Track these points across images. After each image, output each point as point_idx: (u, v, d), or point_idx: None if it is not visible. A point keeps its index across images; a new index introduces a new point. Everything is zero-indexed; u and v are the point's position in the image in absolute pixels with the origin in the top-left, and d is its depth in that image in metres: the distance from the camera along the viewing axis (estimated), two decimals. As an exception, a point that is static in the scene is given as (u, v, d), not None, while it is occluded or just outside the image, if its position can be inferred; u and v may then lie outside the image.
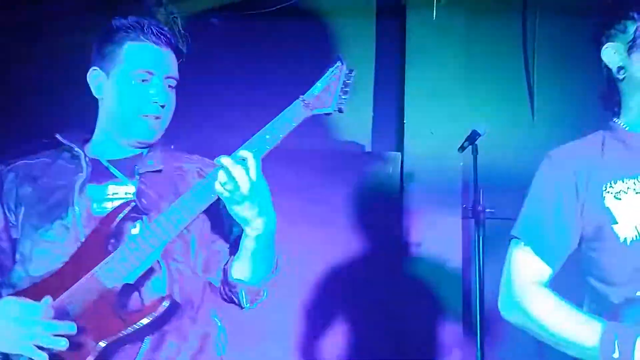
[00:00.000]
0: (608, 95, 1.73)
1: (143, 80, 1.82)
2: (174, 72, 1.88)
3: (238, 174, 1.62)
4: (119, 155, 1.88)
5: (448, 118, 3.65)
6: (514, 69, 3.77)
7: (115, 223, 1.70)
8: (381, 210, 3.69)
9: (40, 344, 1.57)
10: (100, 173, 1.83)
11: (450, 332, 3.51)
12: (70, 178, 1.81)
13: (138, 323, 1.63)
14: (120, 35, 1.85)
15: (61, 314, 1.63)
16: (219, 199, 1.69)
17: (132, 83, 1.82)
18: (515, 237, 1.69)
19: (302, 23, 3.75)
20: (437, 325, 3.53)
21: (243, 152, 1.65)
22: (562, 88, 3.74)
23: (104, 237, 1.70)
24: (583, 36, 3.61)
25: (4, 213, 1.82)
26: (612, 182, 1.61)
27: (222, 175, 1.64)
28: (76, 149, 1.87)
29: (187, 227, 1.74)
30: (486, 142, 3.11)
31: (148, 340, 1.70)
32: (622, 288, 1.57)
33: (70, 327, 1.59)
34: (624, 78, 1.67)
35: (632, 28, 1.66)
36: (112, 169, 1.84)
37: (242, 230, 1.74)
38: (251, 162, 1.63)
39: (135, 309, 1.67)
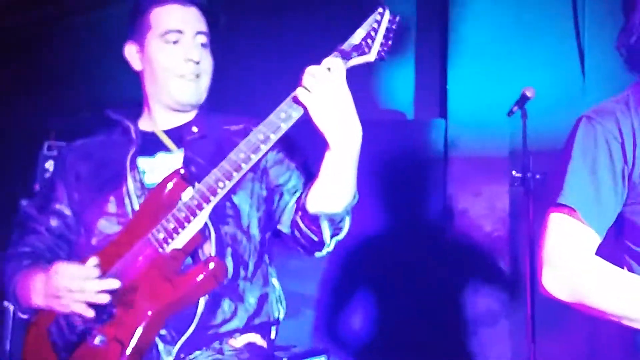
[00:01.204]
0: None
1: (174, 42, 1.83)
2: (204, 28, 1.88)
3: (326, 78, 1.59)
4: (168, 126, 1.90)
5: (494, 81, 3.51)
6: (563, 29, 3.60)
7: (165, 192, 1.73)
8: (425, 180, 3.61)
9: (86, 300, 1.66)
10: (150, 144, 1.87)
11: (496, 302, 3.44)
12: (122, 151, 1.86)
13: (187, 286, 1.66)
14: (146, 3, 1.88)
15: (115, 276, 1.70)
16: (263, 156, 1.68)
17: (164, 46, 1.84)
18: (564, 205, 1.55)
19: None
20: (483, 295, 3.45)
21: (327, 61, 1.61)
22: (614, 48, 3.56)
23: (156, 206, 1.73)
24: None
25: (66, 190, 1.92)
26: None
27: (309, 80, 1.60)
28: (126, 122, 1.91)
29: (234, 189, 1.74)
30: (535, 106, 2.99)
31: (203, 302, 1.72)
32: None
33: (113, 283, 1.67)
34: None
35: None
36: (162, 138, 1.88)
37: (305, 166, 1.77)
38: (338, 70, 1.60)
39: (185, 273, 1.69)
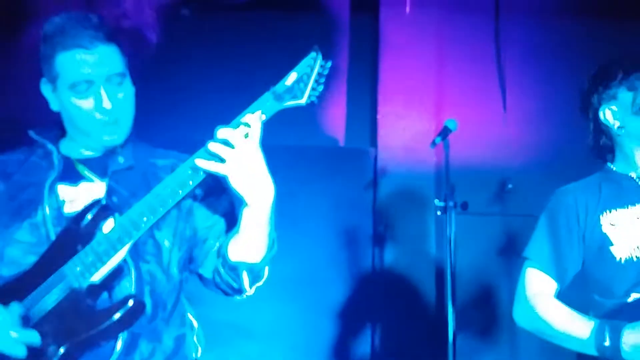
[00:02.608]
0: (603, 146, 2.07)
1: (84, 90, 1.73)
2: (118, 68, 1.76)
3: (240, 142, 1.58)
4: (91, 154, 1.82)
5: (422, 113, 3.65)
6: (486, 65, 3.78)
7: (85, 222, 1.66)
8: (354, 205, 3.69)
9: (1, 351, 1.57)
10: (72, 171, 1.78)
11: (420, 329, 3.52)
12: (41, 176, 1.76)
13: (103, 324, 1.60)
14: (50, 47, 1.74)
15: (26, 317, 1.61)
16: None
17: (75, 97, 1.74)
18: (527, 258, 2.04)
19: (274, 15, 3.72)
20: (409, 323, 3.53)
21: (244, 126, 1.59)
22: (534, 85, 3.77)
23: (74, 236, 1.65)
24: (553, 35, 3.73)
25: None
26: (608, 212, 1.95)
27: (218, 147, 1.58)
28: (49, 145, 1.81)
29: (159, 225, 1.70)
30: (458, 138, 3.13)
31: (121, 343, 1.66)
32: (619, 300, 1.90)
33: (33, 337, 1.59)
34: (621, 134, 2.01)
35: (624, 94, 1.98)
36: (82, 169, 1.79)
37: (231, 210, 1.72)
38: (255, 133, 1.60)
39: (101, 310, 1.63)
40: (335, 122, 3.80)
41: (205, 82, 3.58)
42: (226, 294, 1.81)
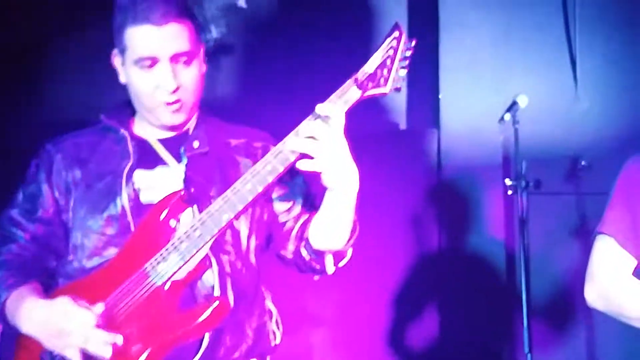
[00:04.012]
0: None
1: (149, 67, 1.71)
2: (183, 47, 1.73)
3: (323, 128, 1.54)
4: (165, 134, 1.82)
5: (486, 90, 3.50)
6: (555, 37, 3.61)
7: (164, 215, 1.67)
8: (419, 188, 3.60)
9: (87, 350, 1.59)
10: (148, 156, 1.79)
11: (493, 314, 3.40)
12: (117, 163, 1.77)
13: (189, 325, 1.61)
14: (122, 19, 1.73)
15: (110, 316, 1.63)
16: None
17: (140, 72, 1.73)
18: (601, 233, 1.91)
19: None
20: (478, 307, 3.41)
21: (322, 109, 1.55)
22: (605, 57, 3.58)
23: (153, 229, 1.67)
24: (626, 4, 3.53)
25: (54, 197, 1.81)
26: None
27: (310, 129, 1.55)
28: (122, 130, 1.82)
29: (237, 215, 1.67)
30: (528, 114, 2.99)
31: (205, 340, 1.67)
32: None
33: (117, 338, 1.60)
34: None
35: None
36: (158, 149, 1.79)
37: (307, 189, 1.73)
38: (338, 119, 1.55)
39: (186, 310, 1.64)
40: (396, 105, 3.71)
41: (275, 70, 3.54)
42: (305, 274, 1.80)
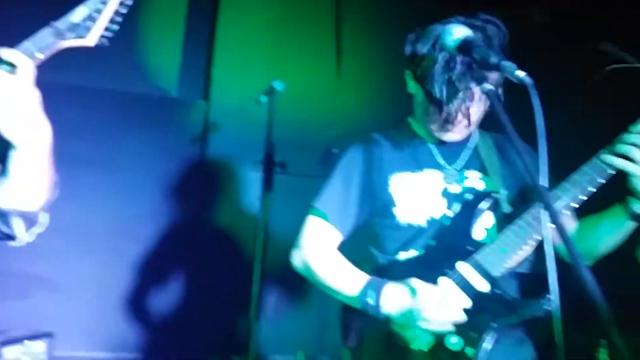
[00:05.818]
0: None
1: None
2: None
3: (6, 79, 1.41)
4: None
5: (257, 71, 3.64)
6: (325, 33, 3.84)
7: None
8: (182, 158, 3.64)
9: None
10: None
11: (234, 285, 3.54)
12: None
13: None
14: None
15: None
16: None
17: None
18: (316, 208, 2.02)
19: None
20: (231, 275, 3.56)
21: (10, 56, 1.42)
22: (367, 58, 3.87)
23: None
24: (389, 14, 3.83)
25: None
26: (397, 173, 1.97)
27: None
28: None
29: None
30: (290, 100, 3.17)
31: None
32: (390, 255, 1.98)
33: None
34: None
35: None
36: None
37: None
38: (25, 67, 1.43)
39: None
40: (168, 71, 3.69)
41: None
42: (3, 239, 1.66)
